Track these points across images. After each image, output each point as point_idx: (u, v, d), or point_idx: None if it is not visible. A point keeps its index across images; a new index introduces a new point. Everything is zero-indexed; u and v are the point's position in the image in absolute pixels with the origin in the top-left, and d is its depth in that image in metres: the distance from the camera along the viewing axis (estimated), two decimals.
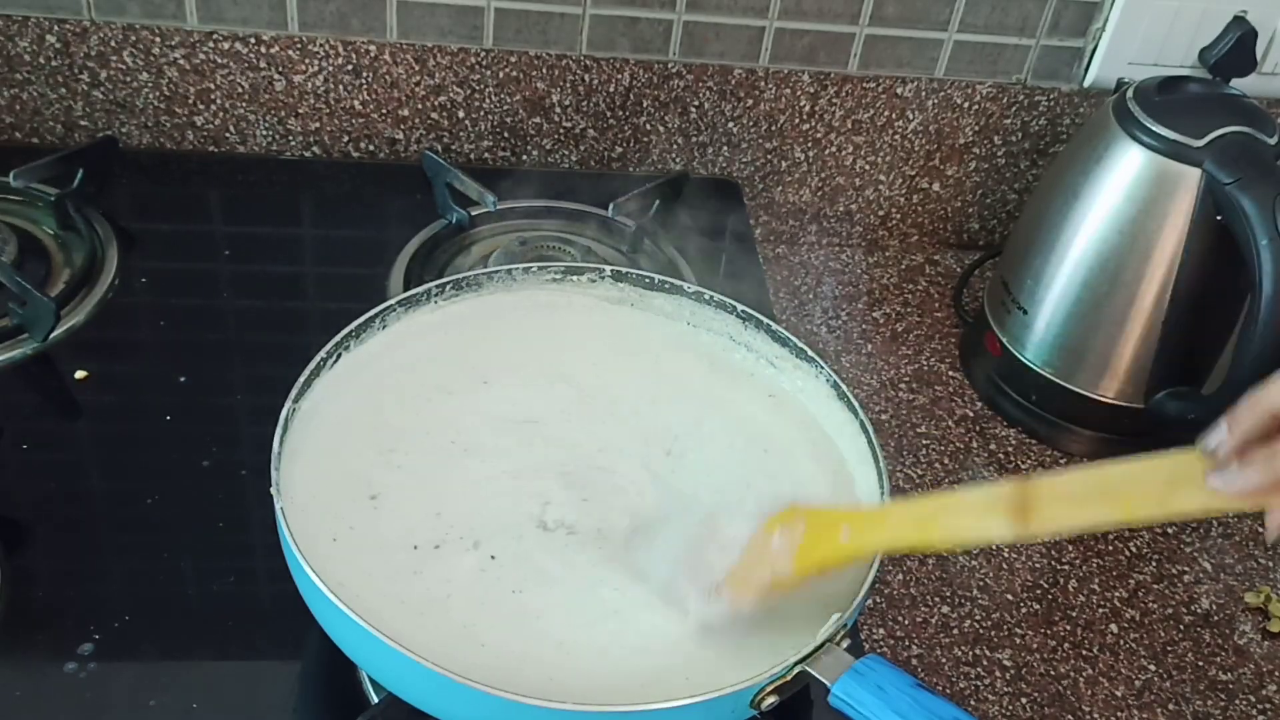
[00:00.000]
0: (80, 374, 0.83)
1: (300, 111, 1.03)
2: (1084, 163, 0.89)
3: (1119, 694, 0.77)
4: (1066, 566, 0.85)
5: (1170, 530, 0.89)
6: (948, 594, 0.82)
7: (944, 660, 0.78)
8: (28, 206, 0.94)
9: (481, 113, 1.04)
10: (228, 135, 1.04)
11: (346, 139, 1.05)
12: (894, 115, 1.06)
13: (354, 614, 0.56)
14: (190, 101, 1.02)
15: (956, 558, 0.84)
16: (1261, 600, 0.84)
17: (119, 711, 0.65)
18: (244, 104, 1.02)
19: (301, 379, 0.69)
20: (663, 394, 0.76)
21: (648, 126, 1.06)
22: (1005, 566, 0.84)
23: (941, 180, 1.11)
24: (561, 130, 1.06)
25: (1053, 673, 0.78)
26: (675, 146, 1.08)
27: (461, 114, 1.04)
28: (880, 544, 0.63)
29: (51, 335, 0.84)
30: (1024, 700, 0.76)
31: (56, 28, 0.97)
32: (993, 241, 1.15)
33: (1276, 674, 0.80)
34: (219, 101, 1.02)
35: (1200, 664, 0.80)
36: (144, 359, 0.87)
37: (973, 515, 0.59)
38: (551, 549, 0.66)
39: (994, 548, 0.85)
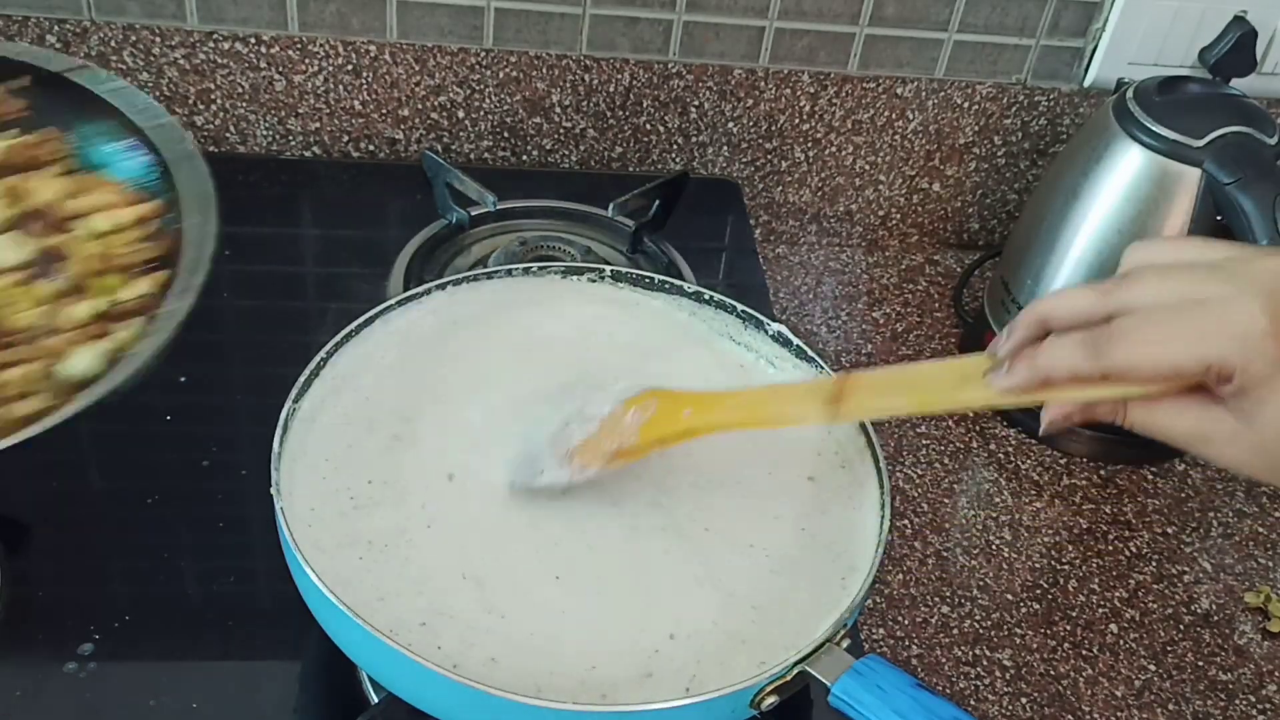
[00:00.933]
0: None
1: (300, 111, 1.03)
2: (1084, 163, 0.89)
3: (1119, 694, 0.77)
4: (1066, 566, 0.85)
5: (1170, 530, 0.89)
6: (947, 594, 0.82)
7: (944, 660, 0.78)
8: None
9: (481, 113, 1.04)
10: (228, 135, 1.04)
11: (346, 139, 1.05)
12: (894, 115, 1.06)
13: (354, 614, 0.56)
14: (190, 101, 1.02)
15: (956, 558, 0.84)
16: (1261, 600, 0.84)
17: (119, 711, 0.65)
18: (244, 104, 1.02)
19: (301, 379, 0.69)
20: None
21: (648, 126, 1.06)
22: (1005, 566, 0.84)
23: (941, 180, 1.11)
24: (561, 130, 1.06)
25: (1052, 673, 0.78)
26: (675, 146, 1.08)
27: (461, 114, 1.04)
28: (714, 422, 0.67)
29: None
30: (1024, 700, 0.76)
31: (56, 28, 0.97)
32: (993, 241, 1.15)
33: (1276, 674, 0.80)
34: (219, 101, 1.02)
35: (1200, 664, 0.80)
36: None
37: (795, 401, 0.67)
38: (554, 554, 0.66)
39: (993, 548, 0.85)
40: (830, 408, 0.63)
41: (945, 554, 0.84)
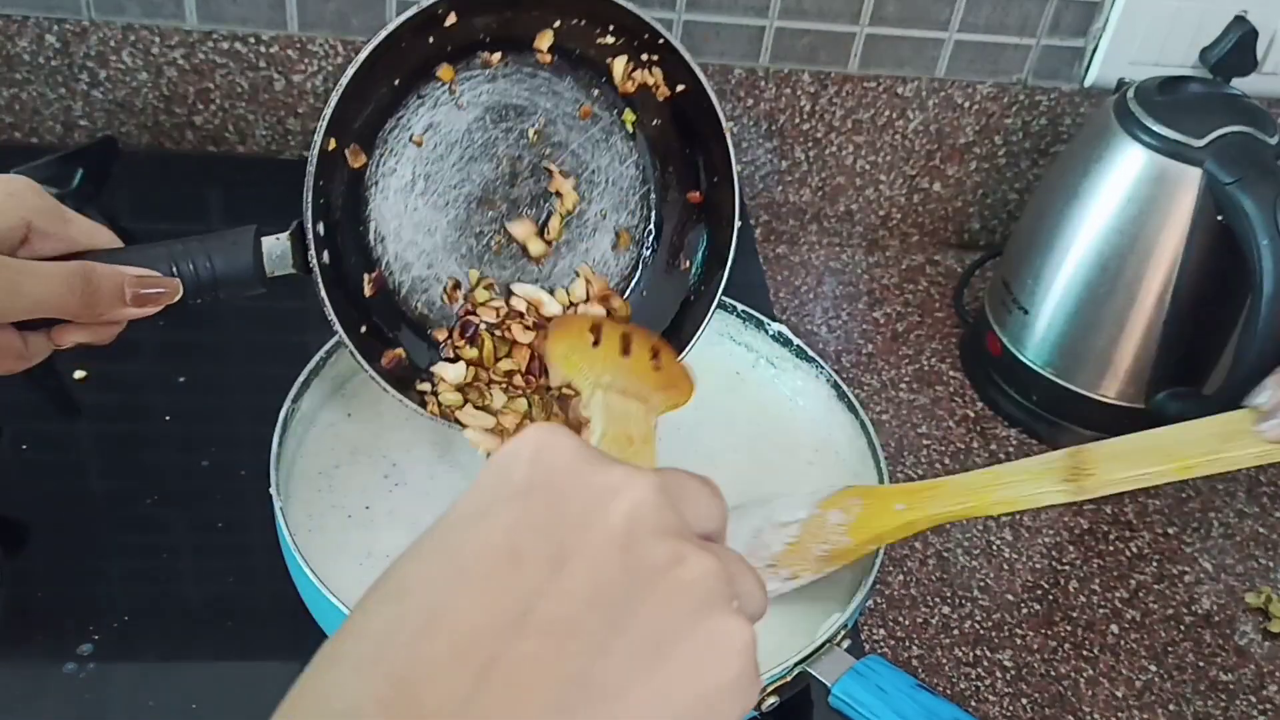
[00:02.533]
0: (80, 374, 0.83)
1: (299, 111, 1.03)
2: (1085, 162, 0.89)
3: (1120, 695, 0.77)
4: (1067, 567, 0.85)
5: (1171, 531, 0.89)
6: (948, 595, 0.82)
7: (944, 661, 0.78)
8: None
9: None
10: (227, 135, 1.04)
11: None
12: (894, 115, 1.06)
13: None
14: (189, 101, 1.02)
15: (957, 559, 0.84)
16: (1262, 601, 0.84)
17: (118, 712, 0.65)
18: (243, 104, 1.02)
19: (301, 379, 0.69)
20: None
21: None
22: (1006, 567, 0.84)
23: (942, 180, 1.11)
24: None
25: (1053, 673, 0.78)
26: None
27: None
28: (935, 514, 0.64)
29: None
30: (1024, 701, 0.76)
31: (56, 27, 0.97)
32: (994, 241, 1.15)
33: (1277, 674, 0.80)
34: (218, 101, 1.02)
35: (1201, 664, 0.80)
36: (144, 359, 0.87)
37: (1027, 481, 0.62)
38: None
39: (994, 548, 0.85)
40: (1072, 485, 0.60)
41: (946, 554, 0.84)
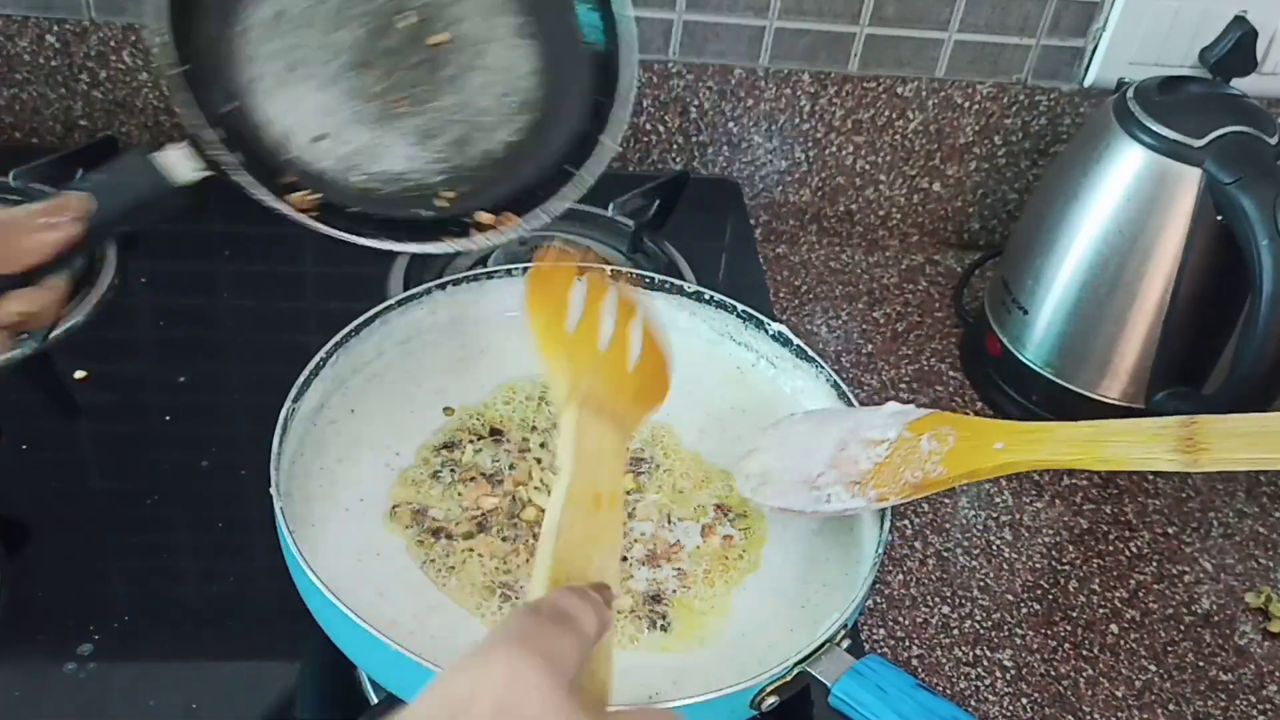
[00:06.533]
0: (80, 374, 0.83)
1: None
2: (1084, 162, 0.89)
3: (1119, 694, 0.77)
4: (1067, 567, 0.85)
5: (1171, 530, 0.89)
6: (948, 594, 0.82)
7: (944, 661, 0.78)
8: None
9: None
10: None
11: None
12: (894, 115, 1.06)
13: (354, 614, 0.56)
14: None
15: (957, 558, 0.84)
16: (1262, 601, 0.84)
17: (118, 712, 0.65)
18: None
19: (301, 379, 0.69)
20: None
21: (648, 126, 1.06)
22: (1006, 567, 0.84)
23: (942, 180, 1.11)
24: None
25: (1053, 673, 0.78)
26: (675, 146, 1.08)
27: None
28: (1036, 460, 0.63)
29: (51, 335, 0.83)
30: (1024, 701, 0.76)
31: (56, 28, 0.97)
32: (993, 241, 1.15)
33: (1277, 674, 0.80)
34: None
35: (1201, 664, 0.80)
36: (144, 359, 0.87)
37: (1138, 443, 0.59)
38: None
39: (994, 548, 0.85)
40: (1184, 456, 0.57)
41: (946, 554, 0.84)
